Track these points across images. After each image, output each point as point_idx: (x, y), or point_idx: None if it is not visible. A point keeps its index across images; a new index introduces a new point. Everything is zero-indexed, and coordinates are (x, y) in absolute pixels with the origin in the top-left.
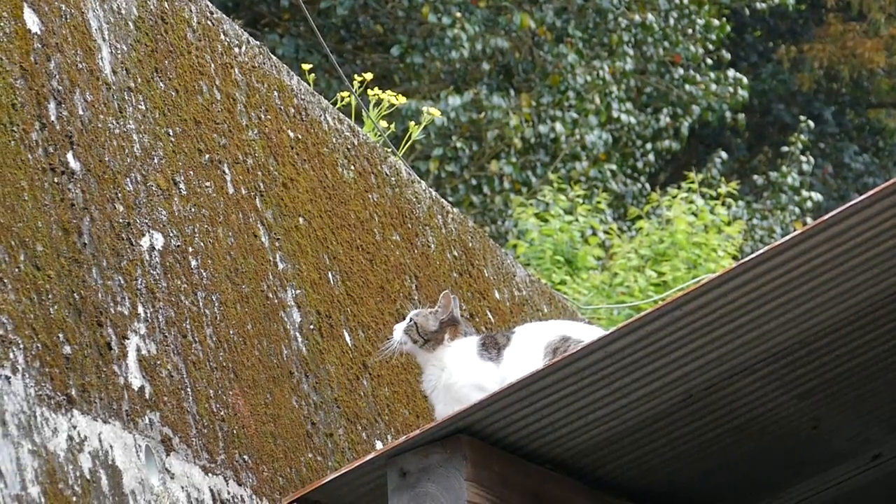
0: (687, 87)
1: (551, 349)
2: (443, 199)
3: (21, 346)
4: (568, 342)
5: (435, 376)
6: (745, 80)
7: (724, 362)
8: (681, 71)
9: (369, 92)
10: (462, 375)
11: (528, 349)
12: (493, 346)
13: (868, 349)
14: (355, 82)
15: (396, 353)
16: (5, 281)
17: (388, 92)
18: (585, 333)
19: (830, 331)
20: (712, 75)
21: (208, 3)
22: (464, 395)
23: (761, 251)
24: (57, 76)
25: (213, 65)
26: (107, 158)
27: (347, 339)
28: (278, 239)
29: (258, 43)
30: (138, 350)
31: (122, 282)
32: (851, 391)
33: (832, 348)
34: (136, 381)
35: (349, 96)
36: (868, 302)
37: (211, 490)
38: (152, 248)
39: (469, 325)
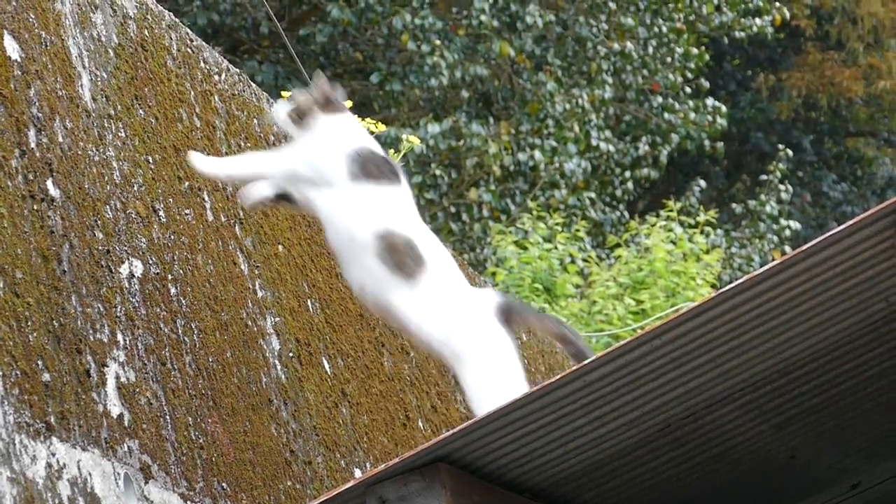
0: (666, 115)
1: (383, 243)
2: None
3: (0, 373)
4: (394, 237)
5: (300, 145)
6: (723, 108)
7: (703, 392)
8: (659, 99)
9: None
10: (316, 150)
11: (369, 203)
12: (372, 170)
13: (847, 378)
14: None
15: (276, 123)
16: None
17: (368, 119)
18: (415, 234)
19: (809, 360)
20: (691, 104)
21: (188, 30)
22: (304, 164)
23: (740, 281)
24: (37, 103)
25: (192, 92)
26: (86, 186)
27: (326, 366)
28: (258, 266)
29: (238, 70)
30: (117, 377)
31: (102, 309)
32: (830, 420)
33: (811, 378)
34: (115, 408)
35: None
36: (847, 332)
37: None
38: (132, 275)
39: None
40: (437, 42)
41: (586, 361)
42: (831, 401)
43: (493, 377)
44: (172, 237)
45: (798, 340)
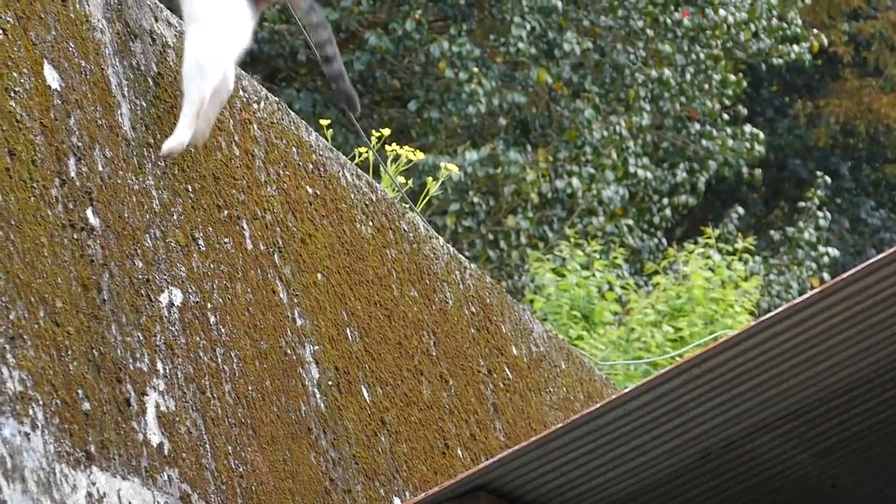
0: (703, 142)
1: None
2: (460, 255)
3: (41, 402)
4: None
5: None
6: (761, 135)
7: (744, 420)
8: (697, 126)
9: (387, 147)
10: None
11: None
12: None
13: (887, 407)
14: (373, 138)
15: None
16: (25, 337)
17: (406, 147)
18: None
19: (849, 389)
20: (729, 130)
21: None
22: None
23: (780, 309)
24: (77, 132)
25: (231, 121)
26: (126, 214)
27: (365, 395)
28: (297, 295)
29: (276, 99)
30: (157, 406)
31: (141, 338)
32: (870, 449)
33: (851, 406)
34: (155, 437)
35: (367, 152)
36: (887, 360)
37: None
38: (171, 304)
39: None
40: (475, 69)
41: (628, 389)
42: (872, 429)
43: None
44: (212, 266)
45: (838, 369)
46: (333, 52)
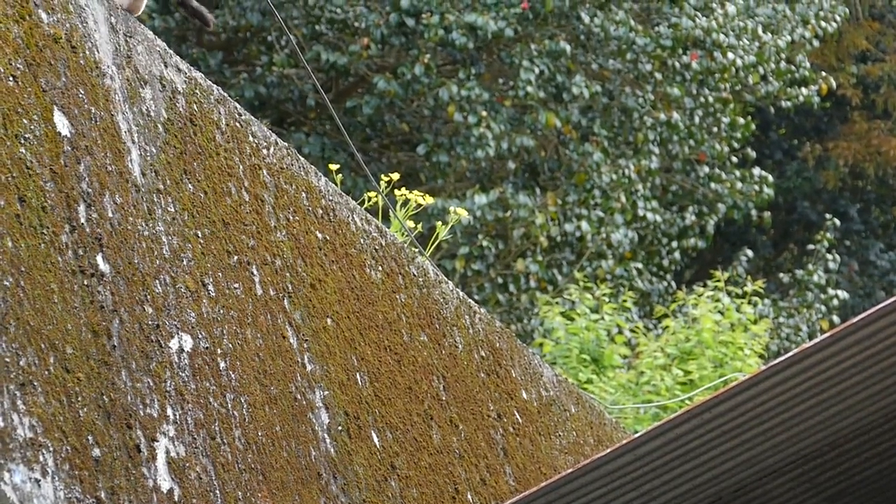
0: (712, 185)
1: None
2: (470, 300)
3: (51, 448)
4: None
5: None
6: (770, 178)
7: (754, 465)
8: (706, 169)
9: (396, 192)
10: None
11: None
12: None
13: None
14: (382, 182)
15: None
16: (35, 384)
17: (416, 192)
18: None
19: (861, 433)
20: (737, 173)
21: (237, 105)
22: None
23: (790, 354)
24: (86, 178)
25: (241, 166)
26: (136, 260)
27: (375, 440)
28: (306, 340)
29: (286, 144)
30: (167, 452)
31: (152, 384)
32: (882, 494)
33: (862, 451)
34: (166, 483)
35: (377, 196)
36: None
37: None
38: (181, 349)
39: None
40: (484, 113)
41: (638, 434)
42: (883, 474)
43: None
44: (222, 311)
45: (849, 413)
46: None
